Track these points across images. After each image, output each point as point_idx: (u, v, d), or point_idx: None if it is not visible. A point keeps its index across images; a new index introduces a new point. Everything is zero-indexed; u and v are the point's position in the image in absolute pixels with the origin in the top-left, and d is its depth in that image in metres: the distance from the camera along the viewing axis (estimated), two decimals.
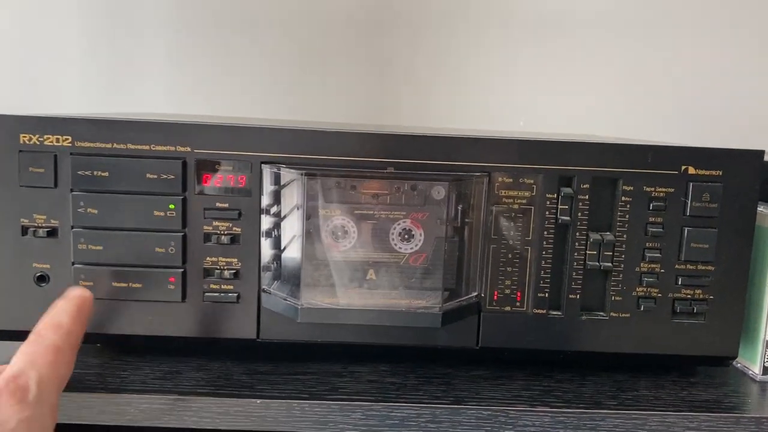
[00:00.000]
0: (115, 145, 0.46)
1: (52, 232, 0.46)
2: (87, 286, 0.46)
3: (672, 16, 0.93)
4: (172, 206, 0.46)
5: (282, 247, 0.50)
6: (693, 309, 0.48)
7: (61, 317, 0.40)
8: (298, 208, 0.49)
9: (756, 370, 0.51)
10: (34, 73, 0.91)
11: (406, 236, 0.49)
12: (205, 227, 0.47)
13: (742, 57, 0.94)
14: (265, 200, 0.48)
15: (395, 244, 0.49)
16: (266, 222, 0.48)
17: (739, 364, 0.53)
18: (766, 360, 0.51)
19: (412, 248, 0.49)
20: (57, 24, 0.90)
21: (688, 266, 0.48)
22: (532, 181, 0.48)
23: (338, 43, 0.92)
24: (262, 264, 0.48)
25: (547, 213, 0.48)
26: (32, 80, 0.90)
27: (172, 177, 0.46)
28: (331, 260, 0.49)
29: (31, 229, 0.46)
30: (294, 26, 0.91)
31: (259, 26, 0.91)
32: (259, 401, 0.44)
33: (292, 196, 0.49)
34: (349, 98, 0.93)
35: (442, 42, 0.92)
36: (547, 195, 0.47)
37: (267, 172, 0.47)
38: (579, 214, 0.48)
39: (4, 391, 0.35)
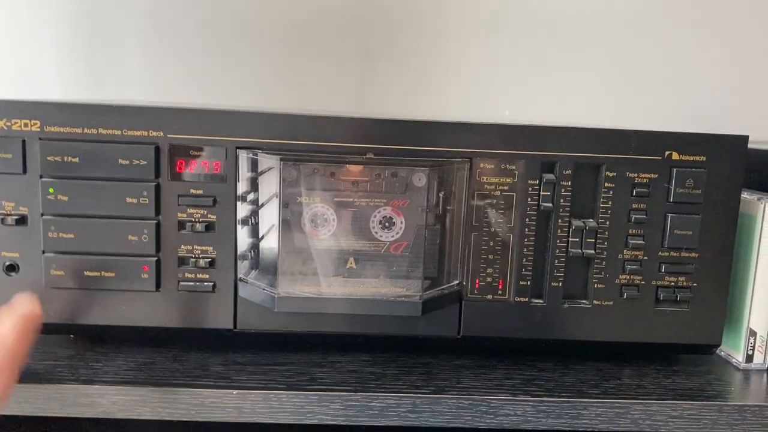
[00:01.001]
0: (85, 130, 0.44)
1: (21, 220, 0.45)
2: (58, 275, 0.45)
3: (662, 10, 0.93)
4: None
5: (260, 236, 0.49)
6: (676, 297, 0.48)
7: (6, 338, 0.37)
8: (276, 196, 0.47)
9: (739, 358, 0.51)
10: (14, 68, 0.89)
11: (386, 224, 0.48)
12: (179, 214, 0.46)
13: (734, 53, 0.94)
14: (242, 187, 0.47)
15: (376, 232, 0.48)
16: (243, 210, 0.47)
17: (722, 352, 0.53)
18: (749, 348, 0.50)
19: (392, 236, 0.48)
20: (35, 18, 0.88)
21: (672, 253, 0.48)
22: (513, 167, 0.47)
23: (325, 39, 0.91)
24: (238, 253, 0.47)
25: (529, 200, 0.47)
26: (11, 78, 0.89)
27: (145, 163, 0.45)
28: (310, 249, 0.48)
29: (0, 216, 0.45)
30: (280, 21, 0.90)
31: (245, 21, 0.90)
32: (235, 392, 0.43)
33: (271, 185, 0.48)
34: (335, 93, 0.92)
35: (429, 37, 0.92)
36: (529, 181, 0.47)
37: (243, 158, 0.46)
38: (561, 200, 0.47)
39: None
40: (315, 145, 0.46)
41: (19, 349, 0.37)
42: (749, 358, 0.51)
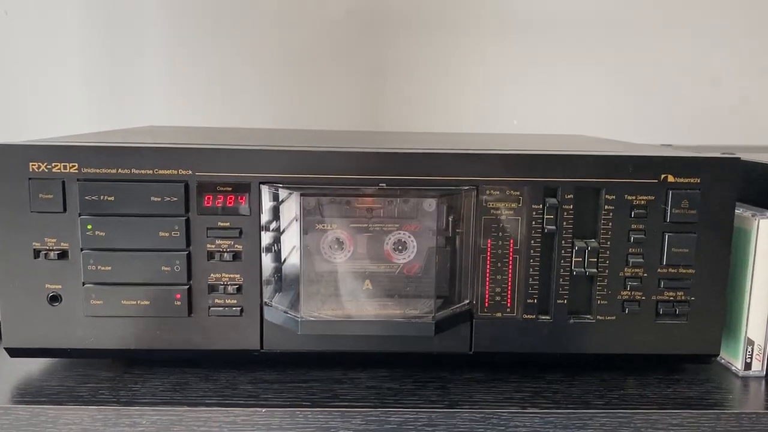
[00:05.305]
0: (119, 171, 0.48)
1: (63, 255, 0.49)
2: (97, 305, 0.49)
3: (662, 16, 0.95)
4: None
5: (282, 260, 0.52)
6: (675, 310, 0.51)
7: None
8: (296, 220, 0.51)
9: (738, 365, 0.53)
10: (37, 83, 0.93)
11: (399, 247, 0.51)
12: (208, 245, 0.49)
13: (731, 57, 0.95)
14: (265, 217, 0.50)
15: (389, 255, 0.51)
16: (266, 238, 0.50)
17: (722, 360, 0.55)
18: (747, 356, 0.53)
19: (405, 258, 0.52)
20: (57, 39, 0.92)
21: (670, 270, 0.50)
22: (518, 193, 0.50)
23: (331, 51, 0.94)
24: (263, 278, 0.50)
25: (533, 223, 0.50)
26: (33, 89, 0.93)
27: (175, 199, 0.48)
28: (328, 272, 0.51)
29: (43, 251, 0.48)
30: (287, 35, 0.93)
31: (253, 35, 0.93)
32: (263, 410, 0.46)
33: (291, 211, 0.51)
34: (344, 103, 0.95)
35: (434, 46, 0.94)
36: (533, 206, 0.50)
37: (265, 191, 0.49)
38: (564, 223, 0.50)
39: None
40: (331, 178, 0.49)
41: None
42: (748, 366, 0.53)
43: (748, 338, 0.53)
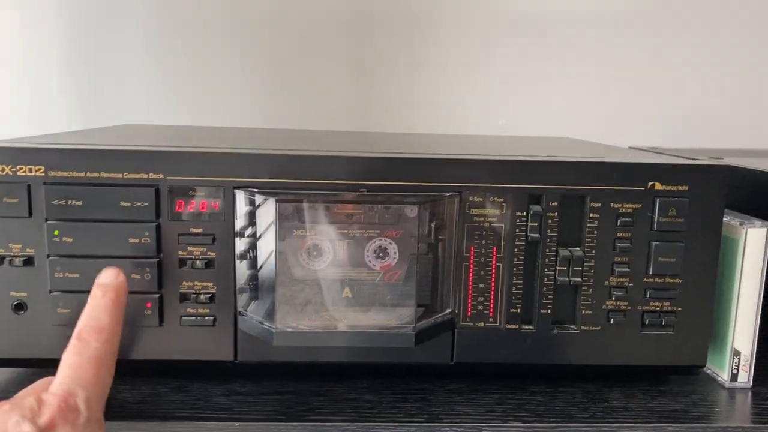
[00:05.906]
0: (88, 174, 0.46)
1: (28, 261, 0.47)
2: (65, 313, 0.47)
3: (657, 15, 0.94)
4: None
5: (258, 267, 0.50)
6: (661, 321, 0.49)
7: (102, 319, 0.41)
8: (273, 228, 0.49)
9: (725, 377, 0.52)
10: (19, 81, 0.91)
11: (380, 254, 0.50)
12: (180, 252, 0.47)
13: (727, 56, 0.95)
14: (240, 223, 0.48)
15: (370, 262, 0.50)
16: (241, 244, 0.49)
17: (709, 370, 0.54)
18: (734, 367, 0.52)
19: (387, 266, 0.50)
20: (37, 34, 0.90)
21: (656, 279, 0.49)
22: (502, 200, 0.48)
23: (320, 49, 0.92)
24: (238, 286, 0.48)
25: (517, 230, 0.49)
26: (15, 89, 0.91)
27: (146, 204, 0.46)
28: (306, 280, 0.50)
29: (7, 258, 0.46)
30: (276, 32, 0.91)
31: (240, 33, 0.91)
32: (236, 425, 0.45)
33: (268, 215, 0.49)
34: (331, 102, 0.94)
35: (423, 45, 0.93)
36: (516, 213, 0.48)
37: (240, 195, 0.48)
38: (548, 231, 0.48)
39: (59, 417, 0.36)
40: (310, 183, 0.47)
41: (116, 329, 0.41)
42: (734, 377, 0.52)
43: (735, 349, 0.52)
